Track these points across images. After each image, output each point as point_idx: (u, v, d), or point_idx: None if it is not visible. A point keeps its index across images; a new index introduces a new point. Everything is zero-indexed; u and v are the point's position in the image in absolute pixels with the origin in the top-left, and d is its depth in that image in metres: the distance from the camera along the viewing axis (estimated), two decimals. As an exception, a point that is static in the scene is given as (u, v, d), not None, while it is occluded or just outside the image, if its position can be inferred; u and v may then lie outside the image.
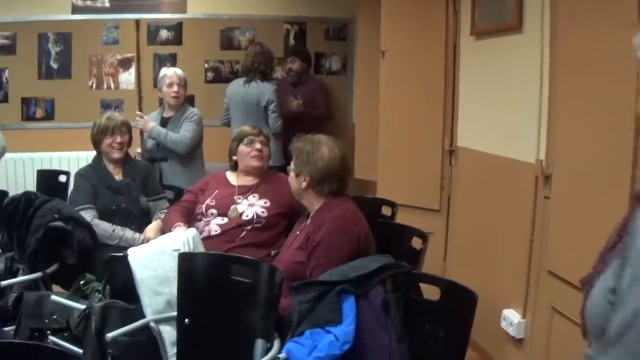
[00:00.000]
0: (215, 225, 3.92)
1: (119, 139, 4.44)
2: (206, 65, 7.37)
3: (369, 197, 4.42)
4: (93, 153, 4.63)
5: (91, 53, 7.15)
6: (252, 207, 3.92)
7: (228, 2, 7.30)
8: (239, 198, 3.98)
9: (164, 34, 7.24)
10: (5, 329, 3.58)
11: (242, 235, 3.84)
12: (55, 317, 3.41)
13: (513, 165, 4.00)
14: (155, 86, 6.33)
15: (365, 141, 6.24)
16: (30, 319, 3.49)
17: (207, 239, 3.79)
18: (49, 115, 7.14)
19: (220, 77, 7.32)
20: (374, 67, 5.65)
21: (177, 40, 7.28)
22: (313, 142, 3.37)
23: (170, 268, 3.13)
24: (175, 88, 5.26)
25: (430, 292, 2.81)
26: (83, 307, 3.23)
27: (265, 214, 3.89)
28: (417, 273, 2.79)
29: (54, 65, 7.10)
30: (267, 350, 2.78)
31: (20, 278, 3.80)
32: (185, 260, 3.08)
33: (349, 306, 2.66)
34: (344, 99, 7.44)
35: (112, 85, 7.23)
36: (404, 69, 5.23)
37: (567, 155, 3.45)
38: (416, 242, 3.55)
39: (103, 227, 4.18)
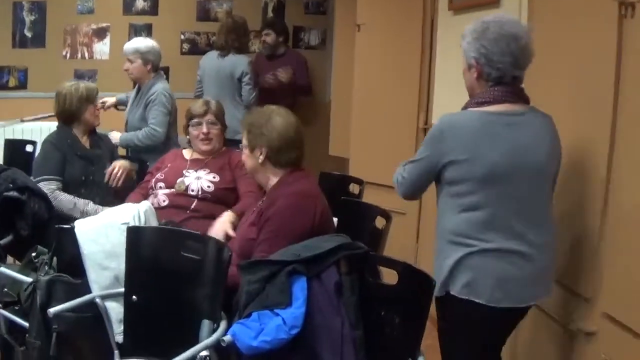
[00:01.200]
0: (162, 195, 3.82)
1: (99, 105, 4.45)
2: (182, 37, 7.22)
3: (336, 174, 4.28)
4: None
5: (66, 22, 6.99)
6: (198, 180, 3.84)
7: (206, -27, 7.14)
8: (188, 172, 3.88)
9: (139, 3, 7.08)
10: None
11: (192, 206, 3.75)
12: (5, 289, 3.28)
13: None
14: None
15: (342, 118, 6.09)
16: (-21, 292, 3.38)
17: (158, 209, 3.64)
18: (22, 85, 6.99)
19: (196, 48, 7.16)
20: (352, 42, 5.50)
21: (153, 10, 7.13)
22: (265, 113, 3.19)
23: (118, 242, 2.97)
24: (125, 65, 5.06)
25: (391, 276, 2.66)
26: (30, 280, 3.11)
27: (212, 189, 3.80)
28: (373, 255, 2.62)
29: (28, 34, 6.93)
30: (214, 331, 2.66)
31: (-30, 249, 3.68)
32: (134, 234, 2.93)
33: (299, 288, 2.52)
34: (323, 75, 7.27)
35: (87, 55, 7.08)
36: (380, 44, 5.10)
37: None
38: (380, 222, 3.41)
39: (66, 199, 4.03)
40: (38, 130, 6.42)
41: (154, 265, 2.92)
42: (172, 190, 3.83)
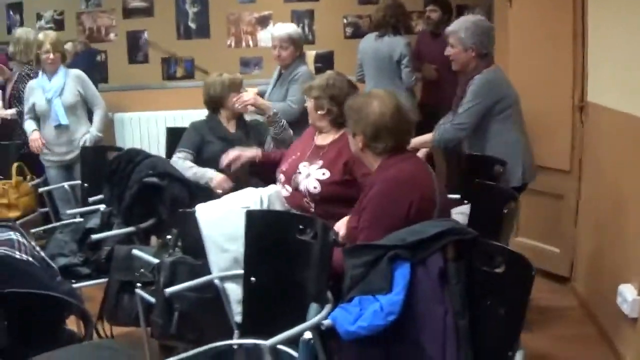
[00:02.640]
0: (285, 192, 3.65)
1: (245, 97, 4.46)
2: (345, 21, 7.20)
3: (479, 155, 4.07)
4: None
5: (228, 12, 7.17)
6: (308, 178, 3.52)
7: (367, -43, 7.06)
8: (304, 165, 3.59)
9: (301, -11, 7.12)
10: (99, 280, 3.78)
11: (312, 209, 3.49)
12: (142, 270, 3.40)
13: (636, 123, 3.56)
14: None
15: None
16: (119, 272, 3.56)
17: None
18: (189, 74, 7.25)
19: (359, 32, 7.07)
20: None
21: (314, -5, 7.14)
22: (363, 99, 3.06)
23: (238, 225, 2.98)
24: (275, 51, 5.06)
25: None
26: (157, 261, 3.19)
27: (318, 190, 3.46)
28: (482, 241, 2.44)
29: (192, 25, 7.20)
30: (320, 314, 2.61)
31: (112, 232, 3.89)
32: (252, 218, 2.95)
33: (401, 274, 2.39)
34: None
35: (251, 43, 7.22)
36: (532, 19, 4.80)
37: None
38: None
39: (182, 163, 4.21)
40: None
41: (270, 248, 2.94)
42: (290, 190, 3.61)
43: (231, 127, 4.47)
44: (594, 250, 4.31)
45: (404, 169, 2.94)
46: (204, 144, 4.33)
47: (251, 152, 4.03)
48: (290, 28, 5.14)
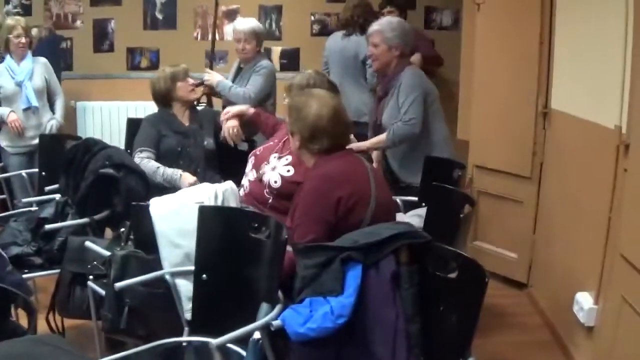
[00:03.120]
0: (246, 180, 3.66)
1: (191, 81, 4.49)
2: (312, 18, 7.14)
3: (441, 158, 4.06)
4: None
5: (196, 4, 7.09)
6: (273, 171, 3.49)
7: (337, -49, 7.00)
8: (274, 156, 3.58)
9: (270, -16, 7.05)
10: (52, 271, 3.66)
11: (270, 202, 3.47)
12: (95, 263, 3.34)
13: (596, 131, 3.57)
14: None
15: (468, 101, 5.82)
16: (72, 264, 3.48)
17: (244, 195, 3.60)
18: (154, 65, 7.15)
19: (326, 30, 7.02)
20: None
21: (283, -9, 7.08)
22: (303, 98, 3.09)
23: (191, 221, 2.93)
24: (240, 45, 5.03)
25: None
26: (109, 254, 3.14)
27: (278, 185, 3.42)
28: (435, 245, 2.42)
29: (159, 16, 7.11)
30: (270, 314, 2.57)
31: (65, 223, 3.80)
32: (204, 214, 2.90)
33: (353, 276, 2.36)
34: (456, 57, 6.98)
35: (217, 37, 7.11)
36: (499, 23, 4.80)
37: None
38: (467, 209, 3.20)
39: (150, 164, 4.18)
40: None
41: (223, 245, 2.89)
42: (256, 175, 3.60)
43: (185, 120, 4.45)
44: (551, 256, 4.32)
45: (335, 165, 2.95)
46: (160, 138, 4.31)
47: (241, 107, 4.31)
48: (254, 22, 5.12)
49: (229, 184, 3.34)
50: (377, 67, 4.37)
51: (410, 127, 4.08)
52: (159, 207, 3.06)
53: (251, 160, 3.70)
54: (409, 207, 3.89)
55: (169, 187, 3.99)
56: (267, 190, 3.45)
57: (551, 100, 4.46)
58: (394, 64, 4.24)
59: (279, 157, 3.54)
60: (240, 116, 4.28)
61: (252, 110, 4.27)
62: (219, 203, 3.16)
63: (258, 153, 3.70)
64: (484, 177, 5.00)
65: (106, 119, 7.11)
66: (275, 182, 3.43)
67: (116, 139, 6.55)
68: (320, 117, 2.96)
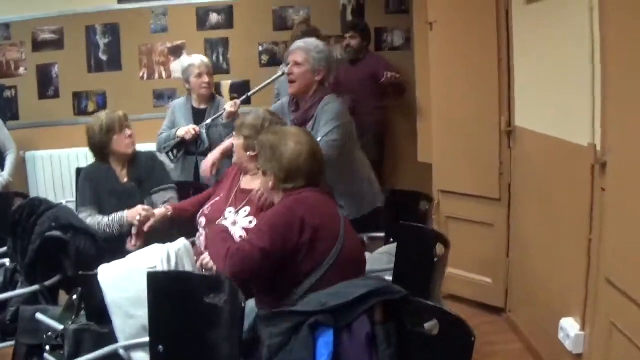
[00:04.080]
0: (200, 240, 3.48)
1: (128, 132, 4.06)
2: (260, 48, 6.95)
3: (406, 191, 3.93)
4: (146, 145, 4.57)
5: (140, 43, 6.90)
6: (234, 226, 3.30)
7: (280, -20, 6.86)
8: (230, 211, 3.40)
9: (213, 18, 6.87)
10: (6, 344, 3.45)
11: None
12: (49, 333, 3.09)
13: (568, 149, 3.42)
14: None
15: (428, 123, 5.67)
16: (26, 335, 3.21)
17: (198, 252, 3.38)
18: (101, 109, 6.82)
19: (275, 60, 6.84)
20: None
21: (227, 23, 6.90)
22: (278, 135, 2.94)
23: (144, 289, 2.68)
24: (205, 78, 4.86)
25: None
26: (61, 327, 2.91)
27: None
28: (413, 300, 2.22)
29: (104, 58, 6.89)
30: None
31: (15, 292, 3.57)
32: (155, 281, 2.65)
33: (324, 343, 2.17)
34: (410, 77, 6.85)
35: (164, 75, 6.94)
36: (454, 42, 4.66)
37: (624, 139, 2.85)
38: (440, 249, 3.00)
39: (91, 222, 3.84)
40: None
41: (177, 312, 2.64)
42: None
43: (123, 175, 4.07)
44: (529, 280, 4.15)
45: (306, 196, 2.82)
46: (99, 193, 3.97)
47: (160, 211, 3.80)
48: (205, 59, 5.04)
49: (182, 242, 3.12)
50: (294, 91, 3.94)
51: (331, 148, 3.64)
52: (108, 275, 2.84)
53: (201, 222, 3.52)
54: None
55: (120, 246, 3.74)
56: None
57: (515, 117, 4.31)
58: (312, 90, 3.91)
59: (237, 211, 3.36)
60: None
61: (170, 210, 3.83)
62: (173, 265, 2.94)
63: (207, 212, 3.52)
64: (450, 202, 4.84)
65: (57, 168, 6.87)
66: (241, 236, 3.19)
67: (68, 188, 6.47)
68: (299, 156, 2.84)
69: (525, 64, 4.12)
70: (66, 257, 3.60)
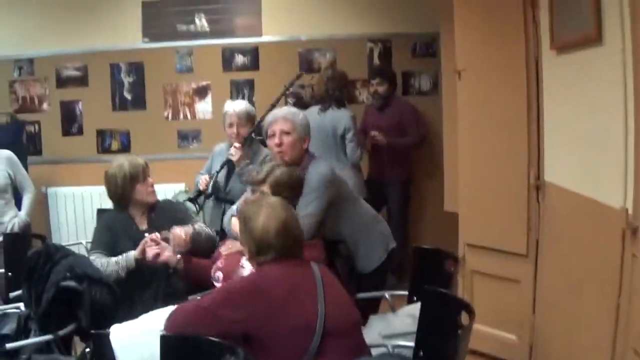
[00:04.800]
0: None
1: (150, 181, 4.02)
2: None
3: (429, 249, 3.80)
4: (169, 186, 4.58)
5: (165, 82, 6.89)
6: None
7: (306, 23, 6.83)
8: (246, 261, 3.33)
9: (239, 59, 6.87)
10: None
11: None
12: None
13: (598, 210, 3.30)
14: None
15: (454, 171, 5.57)
16: (37, 387, 3.19)
17: None
18: (125, 148, 6.93)
19: (301, 102, 6.72)
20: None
21: (253, 65, 6.89)
22: (254, 207, 2.95)
23: (157, 351, 2.62)
24: (234, 129, 4.73)
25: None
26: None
27: None
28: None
29: (128, 96, 6.90)
30: None
31: (28, 341, 3.50)
32: (167, 344, 2.58)
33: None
34: (436, 122, 6.77)
35: (189, 115, 6.91)
36: (483, 91, 4.56)
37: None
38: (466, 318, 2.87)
39: (100, 264, 3.75)
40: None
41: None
42: None
43: (142, 223, 4.01)
44: (553, 340, 4.01)
45: (269, 269, 2.83)
46: (115, 241, 3.90)
47: (172, 259, 3.72)
48: (245, 104, 4.89)
49: None
50: (290, 158, 3.81)
51: (306, 226, 3.42)
52: (121, 336, 2.75)
53: (217, 276, 3.50)
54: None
55: (134, 297, 3.67)
56: None
57: (544, 171, 4.19)
58: (303, 159, 3.89)
59: None
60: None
61: (181, 262, 3.74)
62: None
63: (221, 265, 3.51)
64: (476, 256, 4.71)
65: (78, 205, 6.88)
66: None
67: (89, 226, 6.30)
68: (267, 231, 2.83)
69: (555, 116, 4.02)
70: (80, 308, 3.54)
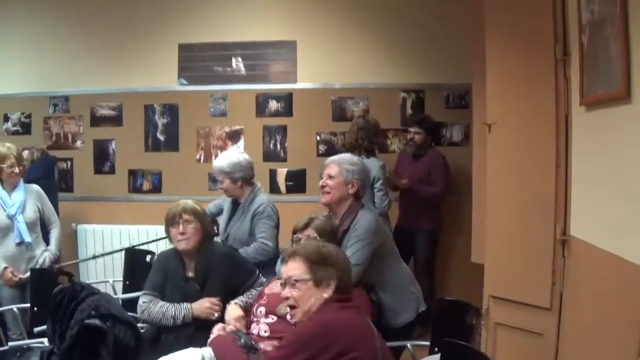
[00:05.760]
0: (264, 324, 3.53)
1: (181, 229, 3.99)
2: (318, 138, 6.99)
3: (449, 300, 3.83)
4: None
5: (199, 125, 6.98)
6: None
7: (340, 71, 6.91)
8: None
9: (273, 105, 6.96)
10: None
11: None
12: None
13: (625, 269, 3.26)
14: (264, 160, 6.63)
15: (483, 222, 5.55)
16: None
17: (260, 339, 3.44)
18: (156, 188, 7.00)
19: (332, 149, 6.84)
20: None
21: (287, 111, 6.98)
22: (322, 246, 3.09)
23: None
24: (222, 185, 5.05)
25: None
26: None
27: (267, 333, 3.51)
28: None
29: (161, 137, 7.01)
30: None
31: (50, 377, 3.55)
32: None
33: None
34: (466, 173, 6.77)
35: (220, 159, 6.99)
36: (512, 145, 4.55)
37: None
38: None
39: (155, 311, 3.86)
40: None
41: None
42: (273, 318, 3.54)
43: (190, 268, 4.02)
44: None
45: (339, 315, 2.83)
46: (164, 283, 3.99)
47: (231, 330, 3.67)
48: (226, 160, 5.00)
49: (208, 350, 3.09)
50: (327, 200, 4.10)
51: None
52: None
53: (260, 311, 3.61)
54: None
55: (158, 339, 3.71)
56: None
57: (570, 226, 4.17)
58: (347, 203, 4.09)
59: None
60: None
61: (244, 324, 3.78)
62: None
63: (265, 302, 3.65)
64: (500, 308, 4.67)
65: (107, 243, 6.96)
66: (265, 331, 3.48)
67: (118, 265, 6.34)
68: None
69: (583, 172, 4.00)
70: (104, 346, 3.58)
